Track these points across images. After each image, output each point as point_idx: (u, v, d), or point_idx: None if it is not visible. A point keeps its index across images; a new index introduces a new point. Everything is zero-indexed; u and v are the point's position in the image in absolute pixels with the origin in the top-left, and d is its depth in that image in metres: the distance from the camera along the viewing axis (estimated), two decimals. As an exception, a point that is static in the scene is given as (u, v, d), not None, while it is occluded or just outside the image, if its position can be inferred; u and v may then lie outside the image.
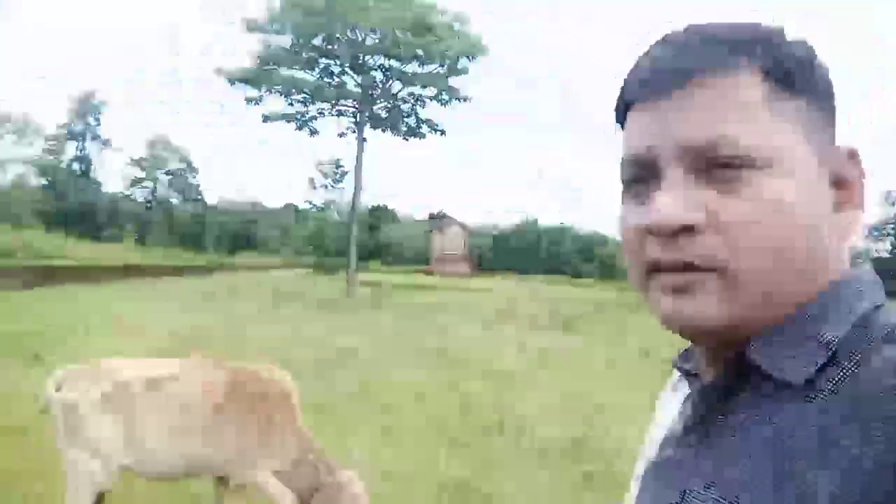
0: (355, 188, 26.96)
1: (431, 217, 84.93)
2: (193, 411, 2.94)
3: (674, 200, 0.50)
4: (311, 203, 62.95)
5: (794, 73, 0.52)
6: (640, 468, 1.40)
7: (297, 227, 68.70)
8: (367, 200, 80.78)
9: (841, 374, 0.47)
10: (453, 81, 26.07)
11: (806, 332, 0.50)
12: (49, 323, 10.62)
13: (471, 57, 25.06)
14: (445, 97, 26.58)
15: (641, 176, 0.55)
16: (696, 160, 0.51)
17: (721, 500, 0.48)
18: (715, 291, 0.50)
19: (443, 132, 28.52)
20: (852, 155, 0.54)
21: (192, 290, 21.01)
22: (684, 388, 1.46)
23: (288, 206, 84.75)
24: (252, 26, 23.94)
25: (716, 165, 0.50)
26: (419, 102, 27.32)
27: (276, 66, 25.00)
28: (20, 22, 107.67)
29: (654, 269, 0.53)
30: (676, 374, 1.46)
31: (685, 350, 0.63)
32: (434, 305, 21.76)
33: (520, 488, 4.53)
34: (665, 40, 0.55)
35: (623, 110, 0.58)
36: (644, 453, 1.43)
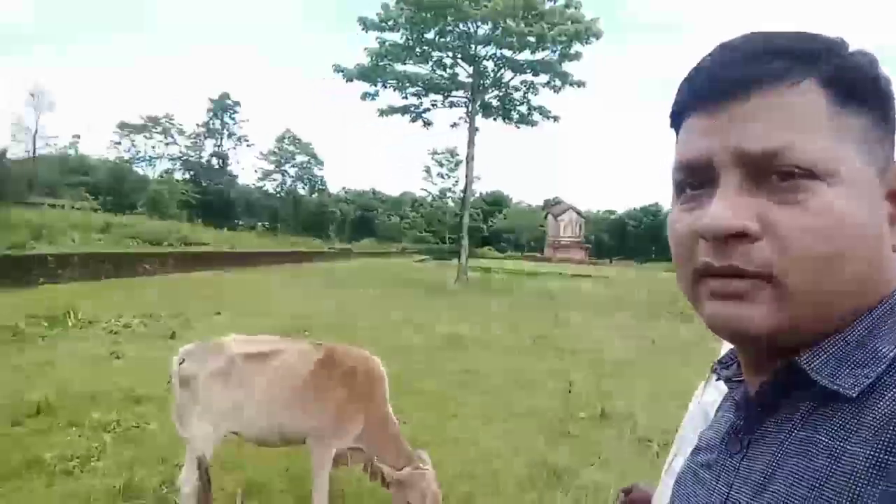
0: (467, 177, 27.23)
1: (546, 203, 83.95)
2: (286, 384, 3.26)
3: (728, 206, 0.50)
4: (426, 191, 64.24)
5: (856, 85, 0.51)
6: (673, 462, 1.41)
7: (414, 215, 70.37)
8: (482, 188, 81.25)
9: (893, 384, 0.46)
10: (566, 66, 25.59)
11: (861, 343, 0.49)
12: (187, 305, 11.72)
13: (584, 41, 24.40)
14: (558, 83, 26.11)
15: (695, 181, 0.54)
16: (753, 168, 0.50)
17: None
18: (765, 300, 0.49)
19: (556, 118, 28.10)
20: None
21: (313, 276, 22.30)
22: (721, 387, 1.43)
23: (405, 195, 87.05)
24: (368, 25, 24.71)
25: (773, 174, 0.50)
26: (531, 90, 27.05)
27: (390, 62, 25.69)
28: (162, 32, 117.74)
29: (705, 273, 0.52)
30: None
31: (725, 356, 0.62)
32: (545, 292, 21.65)
33: (616, 478, 4.51)
34: (725, 47, 0.54)
35: (678, 115, 0.57)
36: (678, 447, 1.44)
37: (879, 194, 0.52)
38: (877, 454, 0.43)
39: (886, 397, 0.45)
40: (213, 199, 57.20)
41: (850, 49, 0.52)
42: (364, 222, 78.35)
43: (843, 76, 0.51)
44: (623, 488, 1.74)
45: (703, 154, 0.53)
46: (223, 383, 3.22)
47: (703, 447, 0.63)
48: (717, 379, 0.63)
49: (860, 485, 0.43)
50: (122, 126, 61.21)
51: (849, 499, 0.43)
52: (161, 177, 56.64)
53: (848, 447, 0.45)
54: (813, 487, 0.45)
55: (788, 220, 0.49)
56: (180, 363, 3.30)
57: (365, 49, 25.21)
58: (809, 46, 0.51)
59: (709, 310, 0.53)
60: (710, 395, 1.51)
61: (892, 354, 0.48)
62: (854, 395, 0.47)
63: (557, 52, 24.97)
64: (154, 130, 61.58)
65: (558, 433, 5.59)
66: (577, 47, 24.67)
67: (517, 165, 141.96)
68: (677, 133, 0.58)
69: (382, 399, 3.29)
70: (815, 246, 0.48)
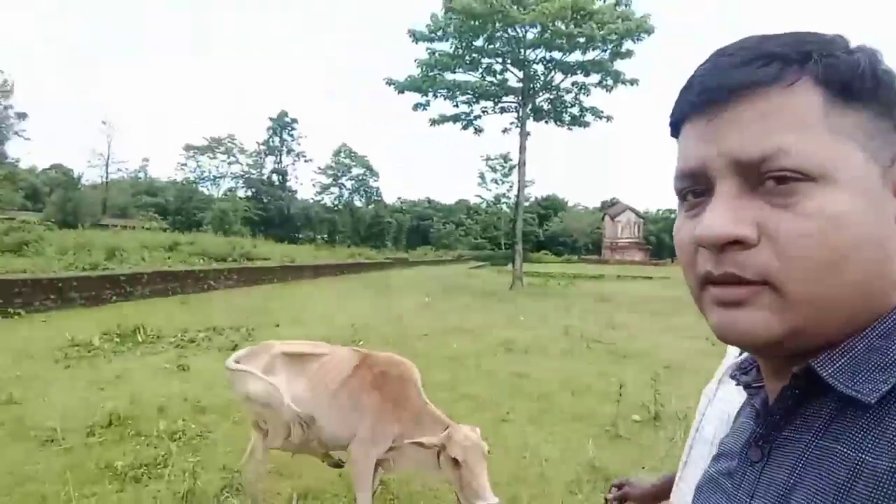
0: (519, 181, 27.18)
1: (603, 205, 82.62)
2: (323, 386, 3.41)
3: (723, 214, 0.49)
4: (481, 198, 64.38)
5: (852, 84, 0.49)
6: (686, 456, 1.44)
7: (469, 222, 70.51)
8: (537, 192, 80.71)
9: None
10: (618, 65, 25.27)
11: (878, 348, 0.48)
12: (249, 318, 12.17)
13: (636, 38, 24.04)
14: (610, 82, 25.78)
15: (695, 188, 0.54)
16: (748, 173, 0.50)
17: None
18: (766, 306, 0.49)
19: (609, 118, 27.74)
20: None
21: (369, 285, 22.70)
22: (731, 384, 1.45)
23: (460, 202, 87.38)
24: (417, 36, 25.06)
25: (768, 178, 0.49)
26: (583, 91, 26.82)
27: (440, 72, 25.96)
28: (219, 56, 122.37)
29: (706, 281, 0.52)
30: (722, 369, 1.47)
31: (745, 360, 0.61)
32: (601, 295, 21.35)
33: (666, 480, 4.46)
34: (720, 53, 0.54)
35: (677, 124, 0.58)
36: (692, 444, 1.47)
37: (884, 192, 0.50)
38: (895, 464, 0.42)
39: None
40: (273, 215, 58.94)
41: (850, 46, 0.51)
42: (420, 231, 79.13)
43: (839, 74, 0.49)
44: (615, 482, 1.78)
45: (699, 162, 0.53)
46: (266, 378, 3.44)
47: (724, 454, 0.61)
48: (737, 384, 0.61)
49: (882, 499, 0.41)
50: (188, 148, 63.96)
51: None
52: (225, 195, 58.81)
53: (869, 458, 0.44)
54: (834, 501, 0.44)
55: (785, 224, 0.48)
56: (235, 362, 3.56)
57: (415, 60, 25.60)
58: (803, 47, 0.50)
59: (713, 317, 0.52)
60: (725, 394, 1.54)
61: None
62: (872, 401, 0.45)
63: (608, 51, 24.69)
64: (217, 150, 64.06)
65: (609, 436, 5.56)
66: (628, 45, 24.34)
67: (572, 168, 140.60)
68: (678, 142, 0.57)
69: (417, 399, 3.35)
70: (811, 250, 0.47)
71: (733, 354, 1.55)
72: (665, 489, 1.70)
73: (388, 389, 3.32)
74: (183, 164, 63.93)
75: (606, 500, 1.77)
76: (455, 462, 2.91)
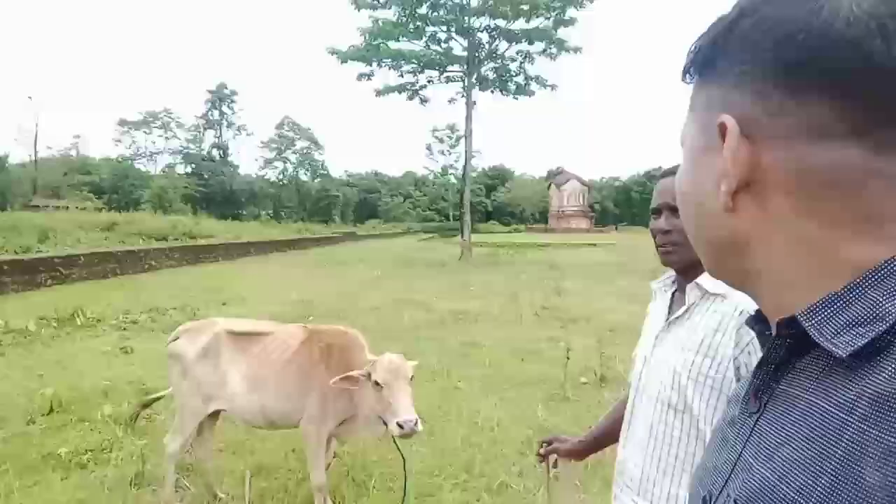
0: (466, 152, 27.18)
1: (549, 174, 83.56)
2: (268, 365, 3.37)
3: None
4: (428, 169, 64.12)
5: (700, 62, 0.55)
6: (630, 414, 1.54)
7: (418, 194, 70.23)
8: (485, 162, 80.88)
9: None
10: (561, 33, 25.33)
11: (860, 297, 0.45)
12: (194, 297, 11.90)
13: (578, 5, 24.11)
14: (554, 51, 25.86)
15: None
16: None
17: (769, 477, 0.47)
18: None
19: (553, 87, 27.89)
20: (721, 127, 0.51)
21: (318, 261, 22.47)
22: (665, 296, 1.58)
23: (408, 174, 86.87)
24: (360, 3, 24.47)
25: None
26: (527, 59, 26.84)
27: (383, 41, 25.48)
28: (153, 26, 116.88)
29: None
30: (654, 283, 1.63)
31: (758, 310, 0.59)
32: (549, 263, 21.74)
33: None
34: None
35: None
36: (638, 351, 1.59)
37: (713, 154, 0.52)
38: (881, 434, 0.39)
39: (890, 369, 0.41)
40: (216, 191, 57.35)
41: (710, 31, 0.54)
42: (368, 204, 78.41)
43: (694, 60, 0.56)
44: (542, 438, 1.91)
45: None
46: (209, 359, 3.37)
47: (732, 400, 0.62)
48: (757, 333, 0.59)
49: (863, 466, 0.39)
50: (122, 123, 61.32)
51: (852, 480, 0.40)
52: (163, 172, 56.84)
53: (852, 421, 0.41)
54: (815, 460, 0.43)
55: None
56: (173, 340, 3.48)
57: (358, 28, 25.06)
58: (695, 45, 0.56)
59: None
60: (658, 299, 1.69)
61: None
62: (844, 354, 0.43)
63: (552, 19, 24.71)
64: (154, 125, 61.62)
65: (558, 399, 5.71)
66: (571, 13, 24.41)
67: (519, 138, 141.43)
68: None
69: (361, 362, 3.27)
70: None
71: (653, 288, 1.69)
72: (591, 444, 1.84)
73: (336, 362, 3.27)
74: (118, 141, 61.36)
75: (539, 454, 1.90)
76: (377, 385, 2.94)
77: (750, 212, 0.51)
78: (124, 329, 8.77)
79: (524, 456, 4.37)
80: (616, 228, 69.78)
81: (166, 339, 3.77)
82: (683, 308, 1.48)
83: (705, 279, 1.44)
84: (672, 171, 1.49)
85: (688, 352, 1.42)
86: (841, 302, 0.46)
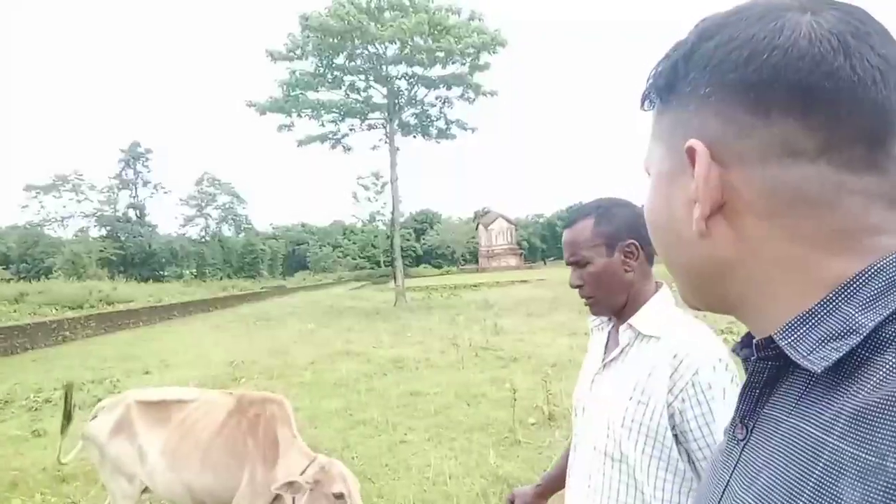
0: (393, 198, 27.23)
1: (476, 214, 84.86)
2: (192, 435, 3.07)
3: None
4: (356, 217, 63.79)
5: (661, 87, 0.54)
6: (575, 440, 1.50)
7: (346, 243, 69.59)
8: (412, 207, 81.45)
9: (880, 366, 0.41)
10: (477, 78, 26.04)
11: (833, 311, 0.44)
12: (113, 368, 11.12)
13: (491, 51, 24.92)
14: (472, 95, 26.56)
15: None
16: None
17: (750, 502, 0.46)
18: None
19: (473, 130, 28.55)
20: (689, 151, 0.50)
21: (246, 318, 21.62)
22: (602, 334, 1.57)
23: (335, 224, 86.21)
24: (276, 56, 24.42)
25: None
26: (446, 104, 27.41)
27: (302, 91, 25.46)
28: (60, 85, 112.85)
29: None
30: (591, 321, 1.60)
31: (745, 335, 0.58)
32: (483, 302, 21.79)
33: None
34: None
35: None
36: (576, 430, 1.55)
37: (680, 178, 0.52)
38: (858, 452, 0.38)
39: (868, 384, 0.40)
40: (133, 253, 54.87)
41: (671, 56, 0.53)
42: (296, 257, 76.97)
43: (652, 85, 0.55)
44: (506, 497, 1.87)
45: None
46: (124, 435, 3.06)
47: (727, 429, 0.59)
48: (743, 358, 0.57)
49: (841, 485, 0.39)
50: (29, 188, 58.11)
51: (829, 500, 0.39)
52: (76, 236, 54.03)
53: (829, 440, 0.41)
54: (794, 482, 0.42)
55: None
56: (91, 419, 3.15)
57: (275, 80, 24.91)
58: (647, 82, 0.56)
59: None
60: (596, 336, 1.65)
61: (871, 325, 0.42)
62: (819, 370, 0.43)
63: (467, 65, 25.42)
64: (63, 189, 58.72)
65: (509, 443, 5.56)
66: (485, 57, 25.18)
67: (443, 181, 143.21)
68: None
69: (290, 439, 3.01)
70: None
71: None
72: (549, 485, 1.81)
73: (266, 433, 3.00)
74: (24, 206, 57.99)
75: None
76: (340, 497, 2.71)
77: (725, 235, 0.50)
78: (36, 409, 8.04)
79: (481, 509, 4.18)
80: (545, 263, 71.22)
81: (84, 416, 3.43)
82: (618, 349, 1.42)
83: (639, 319, 1.39)
84: (571, 223, 1.49)
85: (620, 397, 1.35)
86: (815, 318, 0.45)
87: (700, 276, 0.54)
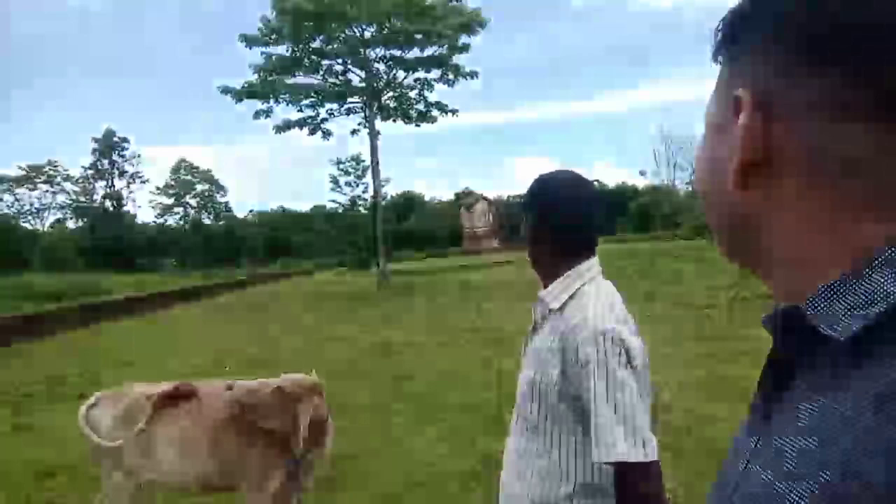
0: (374, 181, 27.07)
1: (457, 196, 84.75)
2: (195, 426, 3.04)
3: None
4: (337, 202, 63.30)
5: (726, 35, 0.53)
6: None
7: (328, 228, 69.16)
8: (393, 190, 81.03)
9: None
10: (457, 59, 25.83)
11: (864, 283, 0.43)
12: (95, 360, 10.99)
13: (471, 32, 24.71)
14: (451, 76, 26.34)
15: None
16: None
17: (770, 478, 0.45)
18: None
19: (454, 112, 28.33)
20: (735, 101, 0.49)
21: (229, 306, 21.48)
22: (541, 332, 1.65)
23: (316, 209, 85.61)
24: (250, 40, 24.00)
25: None
26: (426, 87, 27.16)
27: (279, 76, 25.08)
28: (33, 72, 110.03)
29: None
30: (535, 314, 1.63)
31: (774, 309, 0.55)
32: (467, 284, 21.84)
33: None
34: None
35: None
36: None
37: (727, 130, 0.51)
38: (886, 428, 0.37)
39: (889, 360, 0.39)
40: (111, 244, 54.17)
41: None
42: (278, 243, 76.42)
43: (721, 30, 0.54)
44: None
45: None
46: (127, 429, 3.02)
47: (751, 406, 0.58)
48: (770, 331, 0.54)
49: (866, 462, 0.37)
50: (2, 180, 57.02)
51: (854, 477, 0.37)
52: (52, 228, 53.21)
53: (856, 416, 0.39)
54: (817, 459, 0.41)
55: None
56: (89, 408, 3.11)
57: (250, 66, 24.51)
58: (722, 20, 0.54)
59: None
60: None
61: None
62: (842, 339, 0.42)
63: (446, 46, 25.18)
64: (38, 180, 57.67)
65: (495, 423, 5.60)
66: (464, 39, 24.97)
67: (424, 164, 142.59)
68: None
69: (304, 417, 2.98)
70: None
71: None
72: None
73: (268, 423, 3.01)
74: (-1, 199, 56.92)
75: None
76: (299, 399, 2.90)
77: (762, 189, 0.49)
78: (17, 404, 7.92)
79: (471, 491, 4.21)
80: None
81: (67, 409, 3.37)
82: (535, 322, 1.57)
83: (546, 292, 1.51)
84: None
85: (530, 369, 1.48)
86: (844, 286, 0.44)
87: (733, 228, 0.54)
